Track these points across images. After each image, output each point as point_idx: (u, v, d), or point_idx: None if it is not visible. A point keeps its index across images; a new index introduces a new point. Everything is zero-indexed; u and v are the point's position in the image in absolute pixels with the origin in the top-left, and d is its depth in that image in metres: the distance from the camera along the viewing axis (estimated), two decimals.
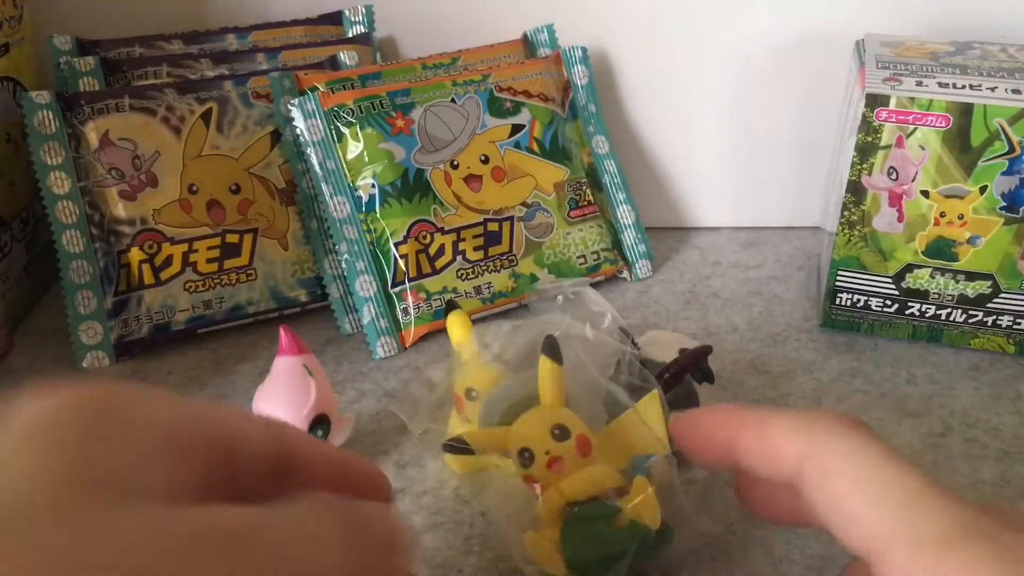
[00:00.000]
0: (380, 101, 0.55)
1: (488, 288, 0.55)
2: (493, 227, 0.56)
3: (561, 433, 0.33)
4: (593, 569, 0.32)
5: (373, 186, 0.54)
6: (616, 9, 0.62)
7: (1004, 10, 0.58)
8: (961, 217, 0.48)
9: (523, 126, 0.58)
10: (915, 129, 0.47)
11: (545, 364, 0.33)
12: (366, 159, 0.54)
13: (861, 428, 0.24)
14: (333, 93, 0.55)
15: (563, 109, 0.61)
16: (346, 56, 0.60)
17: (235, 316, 0.54)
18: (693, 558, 0.39)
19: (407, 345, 0.54)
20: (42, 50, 0.60)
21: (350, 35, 0.64)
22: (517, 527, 0.34)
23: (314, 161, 0.54)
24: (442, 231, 0.55)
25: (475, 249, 0.55)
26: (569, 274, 0.58)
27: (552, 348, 0.33)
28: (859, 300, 0.52)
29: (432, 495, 0.41)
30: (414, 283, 0.54)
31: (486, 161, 0.57)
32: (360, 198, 0.54)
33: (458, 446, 0.33)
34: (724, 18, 0.61)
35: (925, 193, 0.48)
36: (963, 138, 0.46)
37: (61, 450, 0.18)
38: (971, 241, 0.49)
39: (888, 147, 0.48)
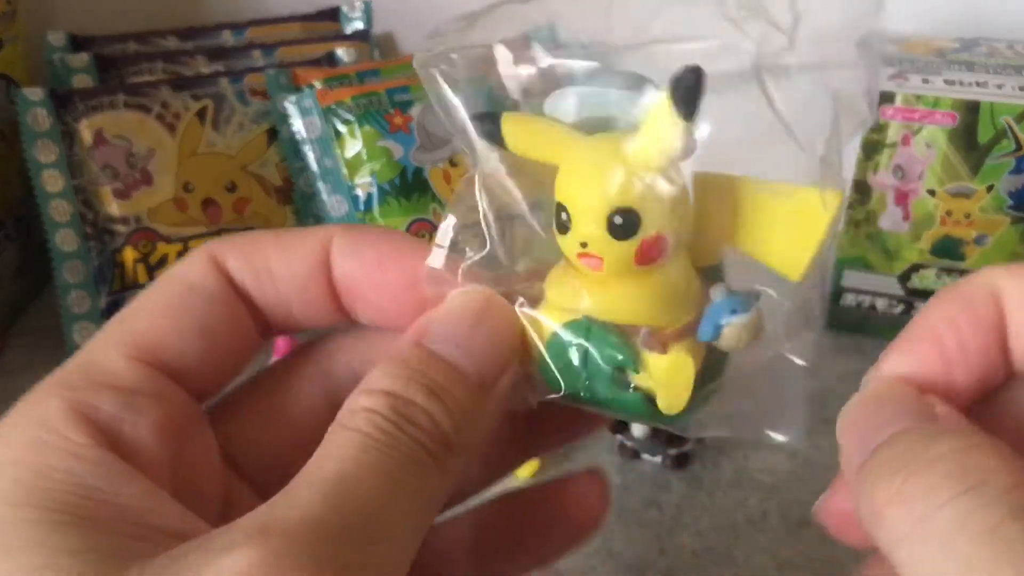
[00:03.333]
0: (378, 98, 0.54)
1: None
2: None
3: (624, 224, 0.19)
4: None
5: (371, 184, 0.53)
6: (616, 8, 0.61)
7: (1011, 7, 0.57)
8: (968, 216, 0.47)
9: None
10: (921, 127, 0.46)
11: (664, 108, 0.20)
12: (364, 157, 0.54)
13: None
14: (330, 90, 0.55)
15: None
16: (344, 53, 0.60)
17: None
18: (696, 561, 0.38)
19: None
20: (35, 47, 0.59)
21: (348, 31, 0.63)
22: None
23: (311, 159, 0.53)
24: None
25: None
26: None
27: (690, 86, 0.19)
28: (865, 301, 0.51)
29: None
30: None
31: None
32: (358, 196, 0.54)
33: (487, 124, 0.23)
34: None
35: (931, 192, 0.47)
36: (970, 136, 0.46)
37: None
38: (978, 240, 0.48)
39: (894, 145, 0.47)
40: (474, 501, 0.24)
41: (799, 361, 0.21)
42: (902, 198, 0.48)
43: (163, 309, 0.19)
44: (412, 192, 0.54)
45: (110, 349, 0.18)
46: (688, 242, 0.21)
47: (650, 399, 0.20)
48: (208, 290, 0.19)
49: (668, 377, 0.20)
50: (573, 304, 0.20)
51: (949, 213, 0.48)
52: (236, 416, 0.21)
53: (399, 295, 0.20)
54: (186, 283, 0.19)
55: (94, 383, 0.18)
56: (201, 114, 0.54)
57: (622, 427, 0.42)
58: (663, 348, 0.20)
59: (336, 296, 0.20)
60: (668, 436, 0.41)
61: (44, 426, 0.17)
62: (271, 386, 0.22)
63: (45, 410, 0.17)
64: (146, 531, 0.16)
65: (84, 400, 0.17)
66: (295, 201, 0.56)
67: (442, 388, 0.18)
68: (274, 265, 0.20)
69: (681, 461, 0.43)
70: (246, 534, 0.15)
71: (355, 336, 0.22)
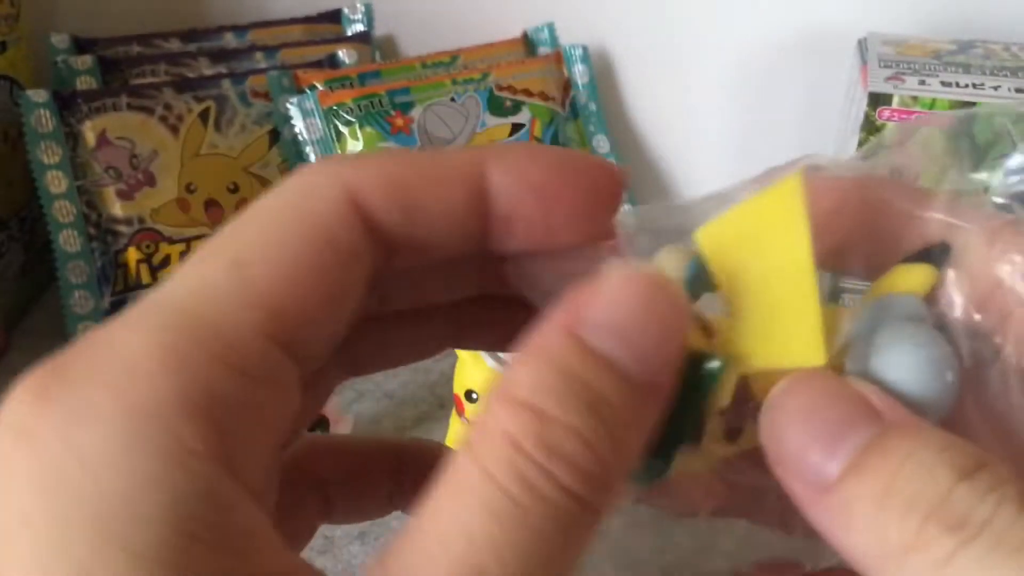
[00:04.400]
0: (379, 100, 0.55)
1: None
2: None
3: None
4: None
5: None
6: (617, 8, 0.61)
7: (1007, 9, 0.58)
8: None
9: (523, 125, 0.58)
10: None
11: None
12: None
13: None
14: (332, 92, 0.55)
15: (563, 108, 0.61)
16: (345, 54, 0.60)
17: None
18: (696, 560, 0.38)
19: None
20: (39, 49, 0.59)
21: (349, 33, 0.64)
22: None
23: (313, 160, 0.54)
24: None
25: None
26: None
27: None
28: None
29: None
30: None
31: None
32: None
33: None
34: (726, 17, 0.60)
35: None
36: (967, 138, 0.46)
37: None
38: None
39: (890, 147, 0.47)
40: None
41: None
42: None
43: (298, 268, 0.14)
44: None
45: (236, 309, 0.13)
46: None
47: None
48: (349, 244, 0.15)
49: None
50: None
51: None
52: None
53: (574, 217, 0.16)
54: (321, 229, 0.15)
55: (215, 356, 0.13)
56: (204, 115, 0.55)
57: None
58: None
59: (489, 228, 0.16)
60: None
61: (148, 413, 0.12)
62: None
63: (150, 385, 0.12)
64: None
65: (204, 381, 0.13)
66: None
67: (604, 401, 0.14)
68: (426, 201, 0.16)
69: None
70: None
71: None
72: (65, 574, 0.11)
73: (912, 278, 0.17)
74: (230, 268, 0.14)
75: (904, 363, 0.16)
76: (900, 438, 0.14)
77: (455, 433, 0.42)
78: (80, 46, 0.59)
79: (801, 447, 0.15)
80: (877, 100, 0.46)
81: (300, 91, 0.56)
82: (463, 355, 0.40)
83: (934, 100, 0.46)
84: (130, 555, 0.11)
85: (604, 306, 0.14)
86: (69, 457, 0.12)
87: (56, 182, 0.52)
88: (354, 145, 0.54)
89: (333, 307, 0.15)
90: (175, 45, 0.61)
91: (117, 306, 0.52)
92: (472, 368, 0.40)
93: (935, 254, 0.17)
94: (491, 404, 0.14)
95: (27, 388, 0.13)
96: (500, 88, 0.58)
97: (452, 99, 0.56)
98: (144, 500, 0.12)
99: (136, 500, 0.12)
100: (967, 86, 0.46)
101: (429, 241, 0.16)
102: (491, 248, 0.17)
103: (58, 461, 0.12)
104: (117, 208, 0.53)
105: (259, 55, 0.60)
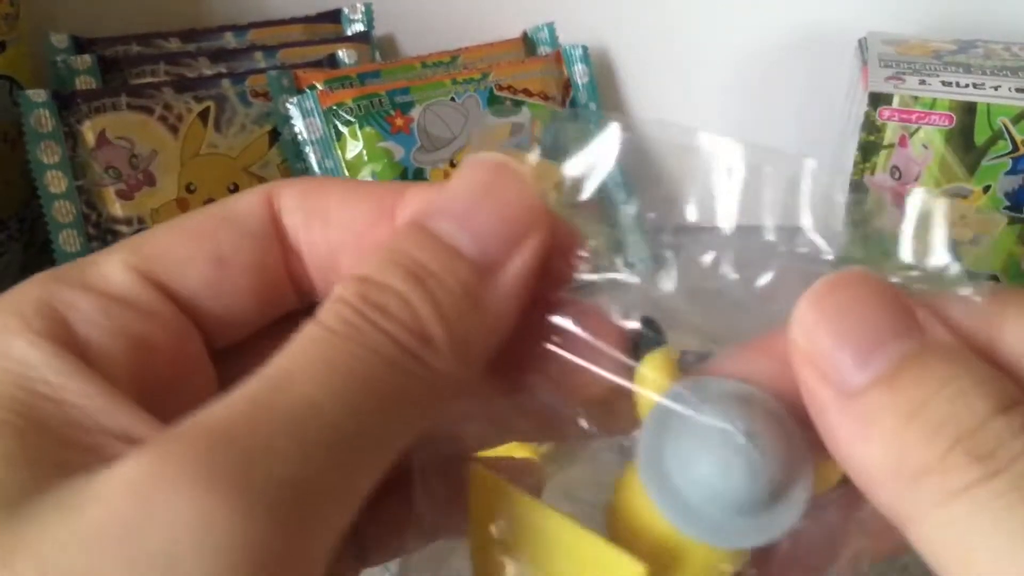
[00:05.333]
0: (379, 100, 0.55)
1: None
2: None
3: None
4: None
5: None
6: (617, 8, 0.61)
7: (1007, 8, 0.58)
8: (964, 217, 0.48)
9: (523, 125, 0.58)
10: (918, 128, 0.46)
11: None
12: (365, 158, 0.54)
13: None
14: (332, 92, 0.55)
15: (563, 108, 0.61)
16: (345, 54, 0.60)
17: None
18: None
19: None
20: (38, 48, 0.59)
21: (349, 33, 0.64)
22: None
23: (313, 160, 0.54)
24: None
25: None
26: None
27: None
28: None
29: None
30: None
31: None
32: None
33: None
34: (725, 16, 0.60)
35: None
36: (966, 137, 0.46)
37: None
38: (974, 241, 0.48)
39: (891, 146, 0.47)
40: None
41: None
42: (899, 199, 0.48)
43: (186, 232, 0.17)
44: None
45: (114, 256, 0.17)
46: None
47: None
48: (246, 223, 0.17)
49: None
50: None
51: None
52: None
53: (464, 169, 0.17)
54: (224, 213, 0.17)
55: (82, 283, 0.16)
56: (203, 115, 0.55)
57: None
58: None
59: None
60: None
61: (14, 312, 0.15)
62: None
63: (21, 297, 0.16)
64: (95, 435, 0.14)
65: (64, 296, 0.16)
66: None
67: (428, 271, 0.15)
68: (334, 211, 0.17)
69: None
70: (152, 440, 0.13)
71: None
72: None
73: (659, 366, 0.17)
74: (134, 237, 0.18)
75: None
76: (941, 359, 0.14)
77: None
78: (80, 46, 0.59)
79: (833, 347, 0.14)
80: (877, 100, 0.46)
81: (300, 91, 0.56)
82: None
83: (934, 100, 0.46)
84: None
85: (446, 193, 0.16)
86: None
87: (56, 182, 0.52)
88: (354, 145, 0.54)
89: (222, 268, 0.17)
90: (175, 45, 0.60)
91: None
92: None
93: (649, 328, 0.18)
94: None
95: None
96: (500, 88, 0.58)
97: (452, 99, 0.56)
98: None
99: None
100: (967, 86, 0.46)
101: (334, 247, 0.17)
102: None
103: None
104: (117, 208, 0.53)
105: (259, 55, 0.60)
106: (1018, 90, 0.45)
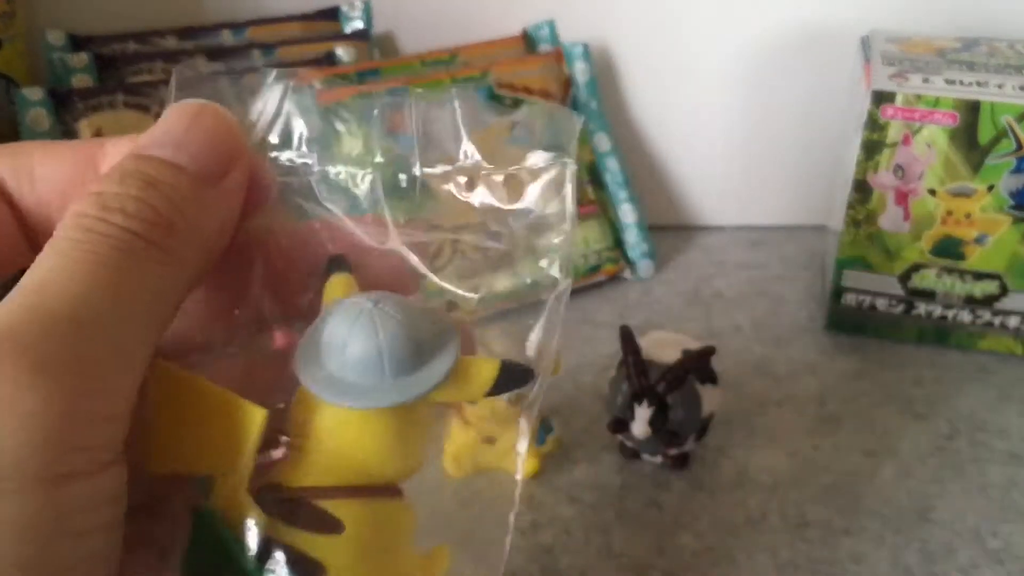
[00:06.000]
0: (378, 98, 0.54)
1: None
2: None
3: None
4: None
5: None
6: (618, 5, 0.61)
7: (1011, 6, 0.57)
8: (968, 216, 0.47)
9: (522, 123, 0.57)
10: (922, 127, 0.46)
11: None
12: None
13: None
14: (330, 90, 0.55)
15: (564, 105, 0.60)
16: (343, 52, 0.59)
17: None
18: (696, 561, 0.38)
19: None
20: (35, 46, 0.59)
21: (347, 31, 0.63)
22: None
23: None
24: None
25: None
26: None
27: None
28: (865, 300, 0.51)
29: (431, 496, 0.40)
30: None
31: None
32: None
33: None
34: (728, 14, 0.60)
35: (932, 192, 0.47)
36: (970, 136, 0.45)
37: None
38: (979, 240, 0.48)
39: (894, 145, 0.47)
40: None
41: None
42: (902, 198, 0.48)
43: None
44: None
45: None
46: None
47: None
48: None
49: None
50: None
51: (950, 213, 0.47)
52: None
53: (170, 112, 0.20)
54: None
55: None
56: None
57: (622, 427, 0.42)
58: None
59: None
60: (668, 436, 0.41)
61: None
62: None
63: None
64: None
65: None
66: None
67: (158, 180, 0.18)
68: (37, 168, 0.20)
69: (681, 461, 0.43)
70: None
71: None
72: None
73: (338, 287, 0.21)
74: None
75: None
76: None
77: (453, 435, 0.41)
78: (76, 43, 0.59)
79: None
80: (880, 98, 0.46)
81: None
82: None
83: (938, 98, 0.45)
84: None
85: (158, 128, 0.19)
86: None
87: None
88: (352, 143, 0.54)
89: None
90: (172, 43, 0.60)
91: None
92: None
93: (337, 264, 0.22)
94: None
95: None
96: (500, 86, 0.57)
97: None
98: None
99: None
100: (971, 84, 0.46)
101: (44, 203, 0.20)
102: None
103: None
104: None
105: (256, 53, 0.60)
106: (1022, 88, 0.45)
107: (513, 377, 0.21)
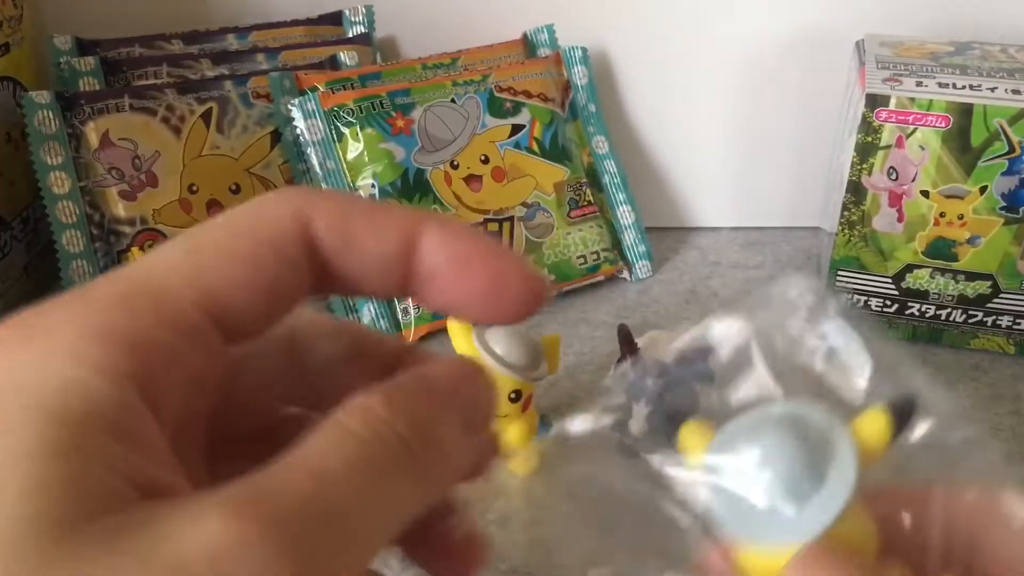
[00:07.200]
0: (380, 101, 0.55)
1: None
2: (493, 227, 0.56)
3: None
4: None
5: (373, 186, 0.54)
6: (616, 9, 0.62)
7: (1004, 10, 0.58)
8: (961, 217, 0.48)
9: (523, 126, 0.58)
10: (915, 129, 0.47)
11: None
12: (366, 159, 0.54)
13: None
14: (333, 93, 0.55)
15: (563, 109, 0.61)
16: (346, 56, 0.60)
17: None
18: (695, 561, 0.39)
19: None
20: (42, 50, 0.59)
21: (350, 35, 0.64)
22: None
23: (314, 161, 0.54)
24: None
25: None
26: (569, 274, 0.57)
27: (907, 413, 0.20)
28: (859, 300, 0.52)
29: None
30: None
31: (486, 161, 0.57)
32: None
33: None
34: (724, 18, 0.61)
35: (925, 193, 0.48)
36: (963, 138, 0.46)
37: None
38: (971, 241, 0.49)
39: (888, 147, 0.48)
40: None
41: None
42: (896, 199, 0.49)
43: (240, 261, 0.18)
44: (413, 194, 0.55)
45: (183, 286, 0.17)
46: None
47: None
48: (290, 253, 0.18)
49: None
50: None
51: (942, 214, 0.48)
52: None
53: (478, 296, 0.20)
54: (268, 236, 0.18)
55: (159, 318, 0.16)
56: (206, 116, 0.55)
57: (621, 427, 0.42)
58: None
59: (410, 278, 0.20)
60: (666, 435, 0.41)
61: (90, 335, 0.15)
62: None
63: (97, 318, 0.16)
64: (138, 479, 0.15)
65: (140, 324, 0.16)
66: None
67: (442, 401, 0.18)
68: (363, 239, 0.19)
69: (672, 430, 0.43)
70: (227, 504, 0.14)
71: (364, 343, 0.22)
72: None
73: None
74: (185, 253, 0.17)
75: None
76: None
77: None
78: (83, 47, 0.60)
79: None
80: (875, 101, 0.47)
81: (301, 92, 0.56)
82: (453, 327, 0.41)
83: (931, 101, 0.46)
84: (34, 432, 0.14)
85: (438, 369, 0.19)
86: (19, 358, 0.15)
87: (59, 183, 0.52)
88: (355, 146, 0.54)
89: (264, 299, 0.18)
90: (177, 47, 0.61)
91: None
92: (459, 341, 0.41)
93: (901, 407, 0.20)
94: (351, 403, 0.17)
95: (10, 318, 0.16)
96: (500, 89, 0.58)
97: (452, 100, 0.57)
98: (68, 390, 0.15)
99: (60, 390, 0.15)
100: (964, 87, 0.47)
101: (360, 273, 0.19)
102: (410, 296, 0.20)
103: (9, 361, 0.15)
104: (120, 209, 0.53)
105: (261, 56, 0.60)
106: (1014, 91, 0.46)
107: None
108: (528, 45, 0.63)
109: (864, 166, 0.48)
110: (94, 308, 0.16)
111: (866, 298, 0.52)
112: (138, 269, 0.17)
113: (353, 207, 0.19)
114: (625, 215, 0.62)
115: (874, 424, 0.19)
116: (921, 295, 0.51)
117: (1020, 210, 0.47)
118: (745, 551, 0.19)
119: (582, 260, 0.58)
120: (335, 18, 0.64)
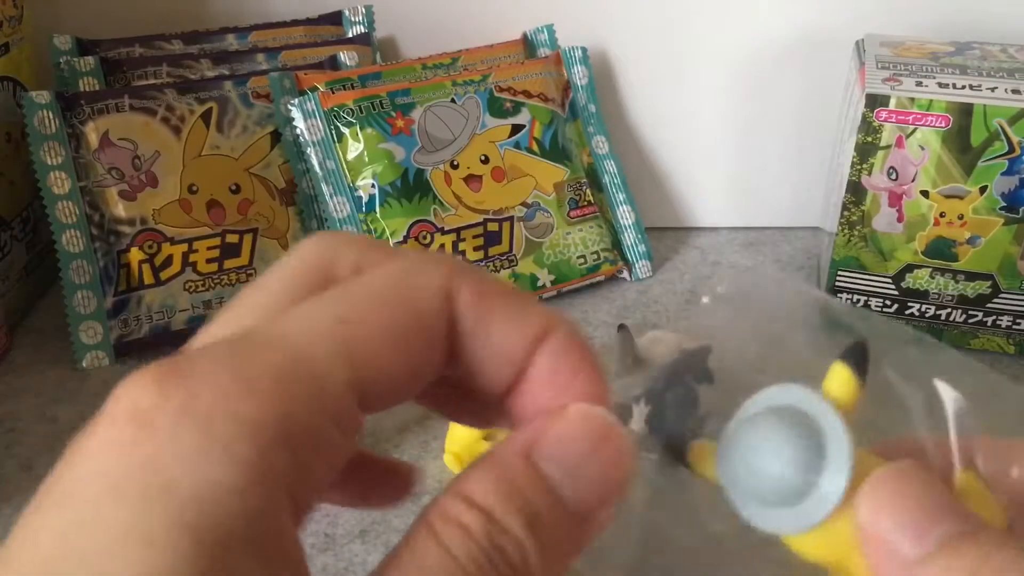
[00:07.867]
0: (380, 101, 0.55)
1: None
2: (493, 227, 0.56)
3: None
4: None
5: (373, 186, 0.54)
6: (616, 9, 0.62)
7: (1004, 10, 0.58)
8: (961, 217, 0.48)
9: (523, 126, 0.58)
10: (915, 129, 0.47)
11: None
12: (366, 159, 0.54)
13: None
14: (333, 93, 0.55)
15: (563, 109, 0.61)
16: (346, 56, 0.60)
17: None
18: (696, 561, 0.39)
19: None
20: (42, 50, 0.59)
21: (350, 35, 0.64)
22: None
23: (314, 161, 0.54)
24: (442, 231, 0.55)
25: (475, 249, 0.56)
26: (569, 274, 0.57)
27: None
28: (859, 300, 0.52)
29: (432, 496, 0.41)
30: None
31: (486, 161, 0.57)
32: (360, 198, 0.54)
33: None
34: (724, 18, 0.61)
35: (925, 193, 0.48)
36: (963, 138, 0.46)
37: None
38: (971, 241, 0.49)
39: (888, 147, 0.48)
40: None
41: None
42: (896, 199, 0.49)
43: (388, 338, 0.17)
44: (413, 194, 0.55)
45: (338, 366, 0.16)
46: None
47: None
48: (434, 330, 0.18)
49: None
50: None
51: (942, 214, 0.48)
52: None
53: (577, 420, 0.18)
54: (417, 310, 0.17)
55: (318, 407, 0.15)
56: (206, 116, 0.55)
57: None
58: None
59: (519, 378, 0.19)
60: (665, 434, 0.41)
61: (250, 429, 0.14)
62: None
63: (257, 405, 0.15)
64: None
65: (300, 417, 0.15)
66: (298, 203, 0.56)
67: (541, 521, 0.17)
68: (494, 328, 0.18)
69: (679, 458, 0.43)
70: None
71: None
72: (126, 539, 0.13)
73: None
74: (336, 323, 0.16)
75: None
76: (983, 539, 0.17)
77: (454, 433, 0.42)
78: (83, 47, 0.60)
79: (893, 529, 0.18)
80: (874, 101, 0.47)
81: (301, 92, 0.56)
82: None
83: (931, 101, 0.46)
84: (179, 547, 0.13)
85: (559, 438, 0.17)
86: (171, 449, 0.14)
87: (59, 183, 0.52)
88: (355, 146, 0.54)
89: (407, 380, 0.17)
90: (177, 47, 0.61)
91: (119, 306, 0.53)
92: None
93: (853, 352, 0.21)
94: (450, 497, 0.17)
95: (149, 380, 0.15)
96: (500, 89, 0.58)
97: (452, 100, 0.57)
98: (219, 502, 0.14)
99: (211, 501, 0.14)
100: (964, 87, 0.47)
101: (478, 361, 0.18)
102: (512, 399, 0.19)
103: (162, 452, 0.14)
104: (120, 209, 0.53)
105: (261, 57, 0.60)
106: (1014, 91, 0.46)
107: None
108: (528, 45, 0.63)
109: (864, 166, 0.48)
110: (254, 391, 0.15)
111: (866, 298, 0.52)
112: (292, 334, 0.16)
113: (493, 288, 0.18)
114: (625, 215, 0.62)
115: (839, 378, 0.20)
116: (921, 295, 0.51)
117: (1020, 210, 0.47)
118: (789, 541, 0.20)
119: (582, 260, 0.58)
120: (335, 18, 0.64)
